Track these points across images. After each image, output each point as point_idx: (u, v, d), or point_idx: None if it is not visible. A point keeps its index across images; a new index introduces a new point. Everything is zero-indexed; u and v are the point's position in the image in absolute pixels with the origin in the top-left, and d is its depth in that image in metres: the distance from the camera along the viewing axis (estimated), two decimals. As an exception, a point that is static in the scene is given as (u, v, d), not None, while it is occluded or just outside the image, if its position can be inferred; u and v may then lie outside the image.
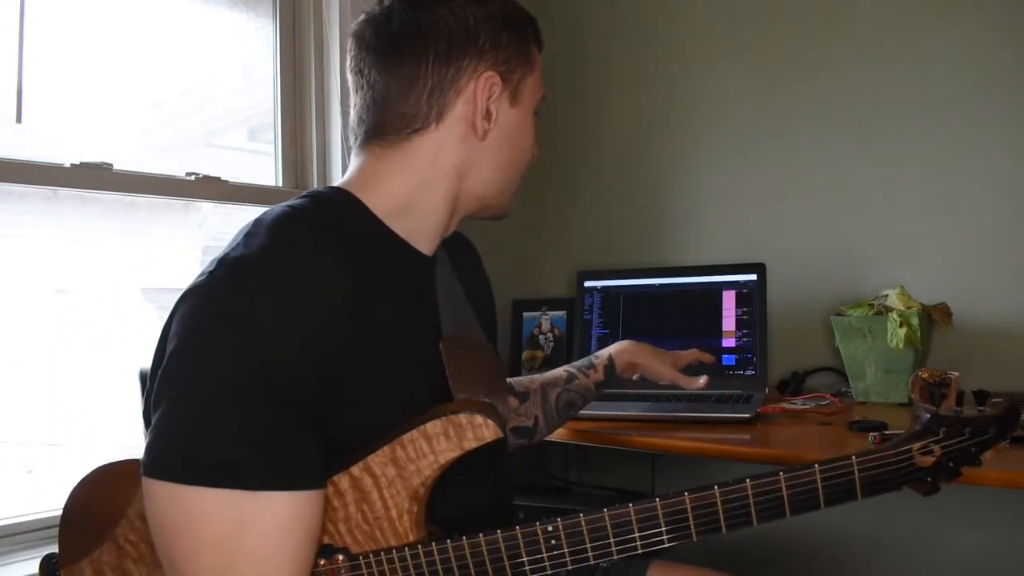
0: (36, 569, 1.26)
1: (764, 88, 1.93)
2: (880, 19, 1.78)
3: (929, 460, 0.77)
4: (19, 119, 1.35)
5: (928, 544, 1.70)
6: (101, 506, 0.85)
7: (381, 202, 0.87)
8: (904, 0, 1.75)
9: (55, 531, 1.35)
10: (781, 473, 0.77)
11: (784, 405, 1.57)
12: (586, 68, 2.22)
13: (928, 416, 0.79)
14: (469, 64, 0.86)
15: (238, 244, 0.78)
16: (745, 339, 1.73)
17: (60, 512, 1.36)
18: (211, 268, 0.77)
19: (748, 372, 1.72)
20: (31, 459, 1.41)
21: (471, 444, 0.78)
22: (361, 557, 0.78)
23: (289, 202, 0.85)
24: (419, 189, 0.87)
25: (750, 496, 0.76)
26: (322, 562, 0.77)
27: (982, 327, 1.64)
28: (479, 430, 0.78)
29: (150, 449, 0.72)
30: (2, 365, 1.37)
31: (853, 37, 1.81)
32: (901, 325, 1.53)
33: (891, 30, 1.76)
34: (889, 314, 1.57)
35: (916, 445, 0.77)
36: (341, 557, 0.78)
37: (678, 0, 2.06)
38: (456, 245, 1.04)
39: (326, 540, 0.79)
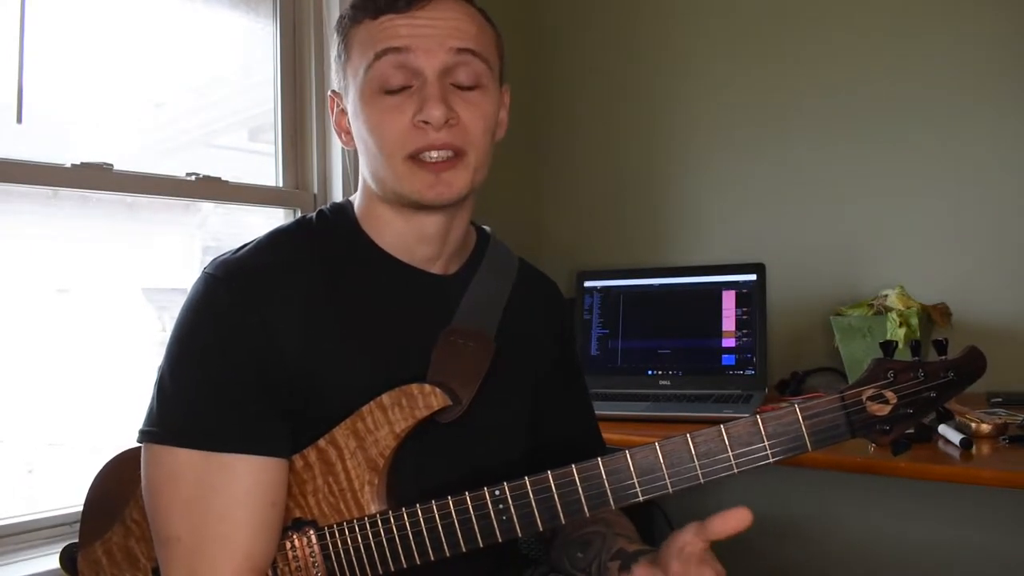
0: (36, 569, 1.27)
1: (764, 88, 1.93)
2: (880, 19, 1.78)
3: (884, 409, 0.74)
4: (20, 119, 1.35)
5: (927, 543, 1.71)
6: (115, 490, 0.91)
7: (363, 217, 0.94)
8: (903, 1, 1.75)
9: (55, 531, 1.37)
10: (722, 427, 0.76)
11: (783, 405, 1.57)
12: (585, 69, 2.22)
13: (874, 361, 0.76)
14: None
15: (237, 247, 0.88)
16: (745, 339, 1.74)
17: (60, 512, 1.38)
18: (206, 265, 0.86)
19: (748, 372, 1.72)
20: (31, 459, 1.42)
21: (422, 412, 0.83)
22: (326, 528, 0.82)
23: (303, 215, 0.96)
24: (366, 200, 0.93)
25: (693, 452, 0.76)
26: (294, 536, 0.82)
27: (981, 327, 1.64)
28: (428, 398, 0.83)
29: (143, 421, 0.83)
30: (3, 365, 1.37)
31: (853, 37, 1.81)
32: (900, 325, 1.53)
33: (891, 30, 1.77)
34: (889, 314, 1.57)
35: (866, 391, 0.75)
36: (312, 531, 0.82)
37: (677, 1, 2.06)
38: (535, 284, 1.07)
39: (297, 513, 0.83)
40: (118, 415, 1.46)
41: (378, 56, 0.84)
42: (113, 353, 1.50)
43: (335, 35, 0.92)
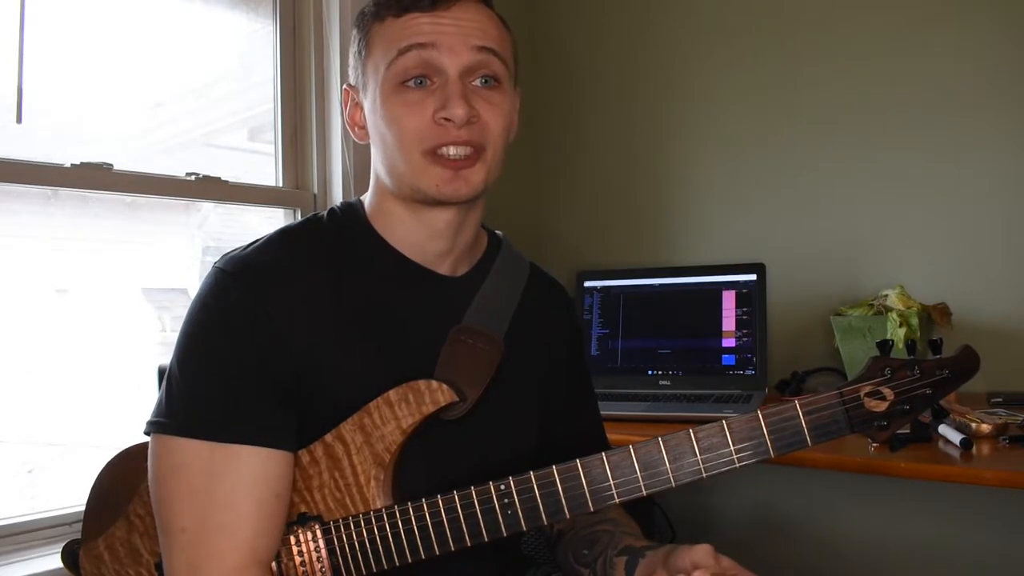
0: (36, 569, 1.27)
1: (764, 87, 1.93)
2: (880, 18, 1.78)
3: (882, 405, 0.76)
4: (19, 119, 1.35)
5: (927, 543, 1.70)
6: (119, 486, 0.91)
7: (373, 214, 0.94)
8: (904, 1, 1.75)
9: (55, 531, 1.36)
10: (724, 422, 0.77)
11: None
12: (584, 68, 2.22)
13: (871, 359, 0.78)
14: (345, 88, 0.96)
15: (246, 243, 0.89)
16: (745, 339, 1.73)
17: (60, 512, 1.38)
18: (217, 260, 0.87)
19: (748, 372, 1.72)
20: (32, 459, 1.42)
21: (428, 408, 0.84)
22: (332, 523, 0.83)
23: (316, 213, 0.97)
24: (378, 196, 0.94)
25: (696, 447, 0.77)
26: (299, 531, 0.83)
27: (982, 327, 1.64)
28: (435, 394, 0.84)
29: (151, 412, 0.84)
30: (2, 365, 1.37)
31: (853, 36, 1.81)
32: (901, 325, 1.53)
33: (891, 29, 1.76)
34: (889, 314, 1.57)
35: (863, 388, 0.77)
36: (317, 527, 0.83)
37: (678, 2, 2.06)
38: (546, 288, 1.08)
39: (302, 508, 0.84)
40: (118, 415, 1.46)
41: (402, 52, 0.85)
42: (113, 353, 1.50)
43: (354, 30, 0.93)
